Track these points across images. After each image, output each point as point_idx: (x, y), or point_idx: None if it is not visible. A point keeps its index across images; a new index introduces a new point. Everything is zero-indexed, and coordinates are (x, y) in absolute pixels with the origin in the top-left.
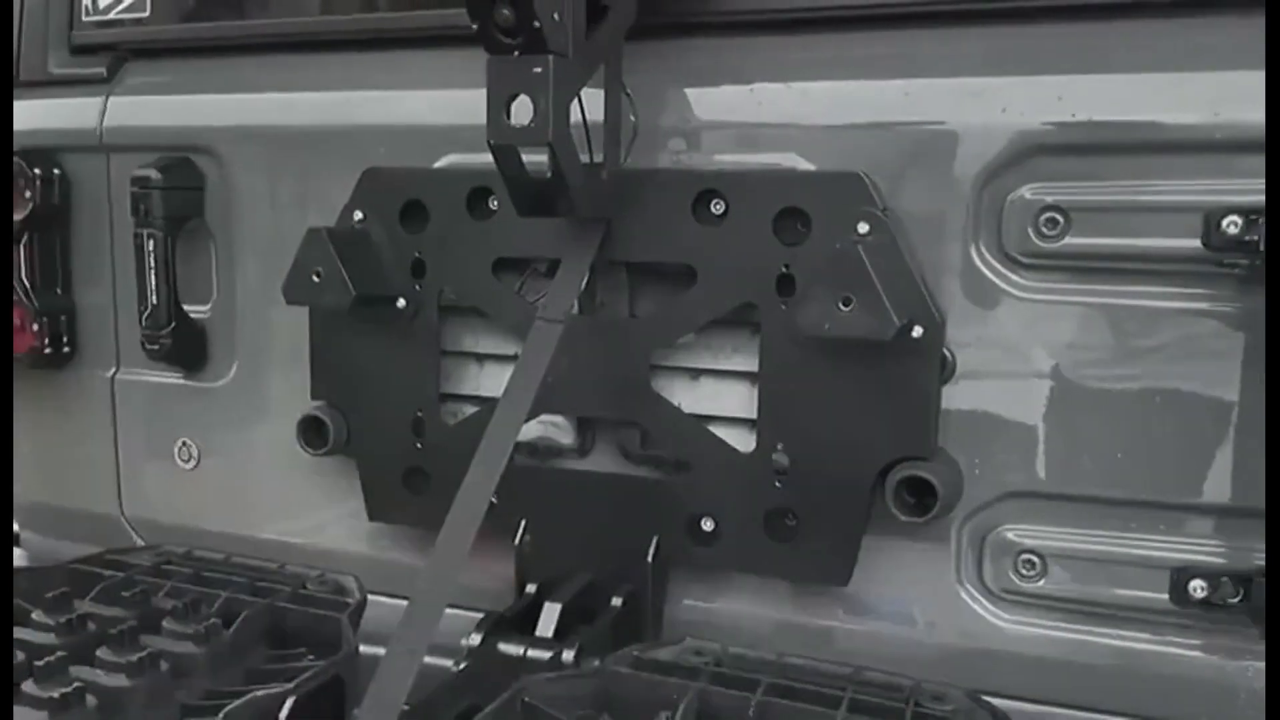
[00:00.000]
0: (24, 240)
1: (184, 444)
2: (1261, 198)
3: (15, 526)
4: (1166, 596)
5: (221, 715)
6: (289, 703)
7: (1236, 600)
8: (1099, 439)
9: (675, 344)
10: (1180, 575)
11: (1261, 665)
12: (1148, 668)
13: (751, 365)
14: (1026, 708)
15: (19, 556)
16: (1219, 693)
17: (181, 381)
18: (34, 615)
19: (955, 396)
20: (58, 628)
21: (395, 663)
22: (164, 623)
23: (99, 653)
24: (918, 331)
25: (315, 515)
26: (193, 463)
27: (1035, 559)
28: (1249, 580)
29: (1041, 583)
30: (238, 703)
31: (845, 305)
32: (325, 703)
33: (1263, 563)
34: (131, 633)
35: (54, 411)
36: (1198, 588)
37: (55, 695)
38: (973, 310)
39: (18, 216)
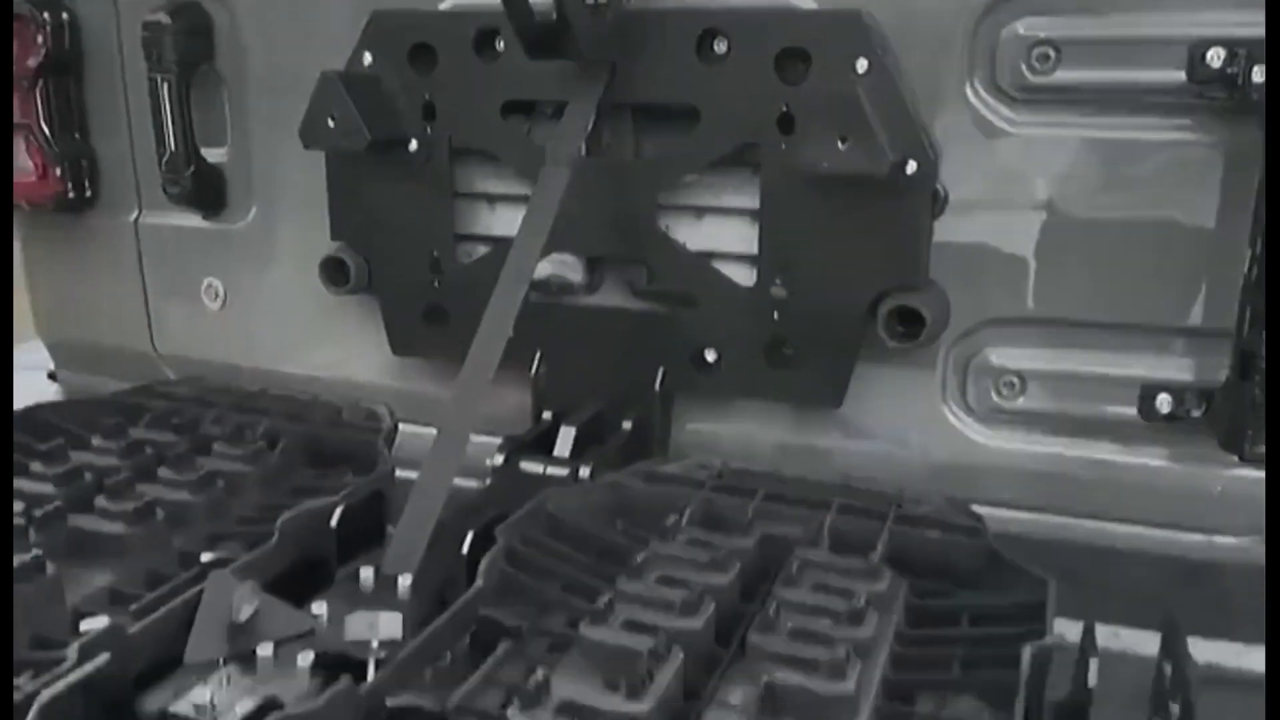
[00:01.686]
0: (39, 87)
1: (210, 284)
2: (1244, 31)
3: (51, 364)
4: (1135, 411)
5: (279, 522)
6: (338, 511)
7: (1199, 413)
8: (1081, 266)
9: (680, 184)
10: (1148, 391)
11: (1222, 472)
12: (1118, 476)
13: (753, 203)
14: (1007, 514)
15: (55, 391)
16: (1182, 497)
17: (203, 224)
18: (94, 441)
19: (946, 229)
20: (119, 451)
21: (429, 480)
22: (214, 446)
23: (160, 472)
24: (912, 167)
25: (341, 351)
26: (219, 302)
27: (1015, 379)
28: (1211, 395)
29: (1021, 401)
30: (291, 512)
31: (843, 143)
32: (368, 515)
33: (1225, 378)
34: (186, 455)
35: (81, 255)
36: (1164, 402)
37: (129, 508)
38: (966, 145)
39: (31, 63)
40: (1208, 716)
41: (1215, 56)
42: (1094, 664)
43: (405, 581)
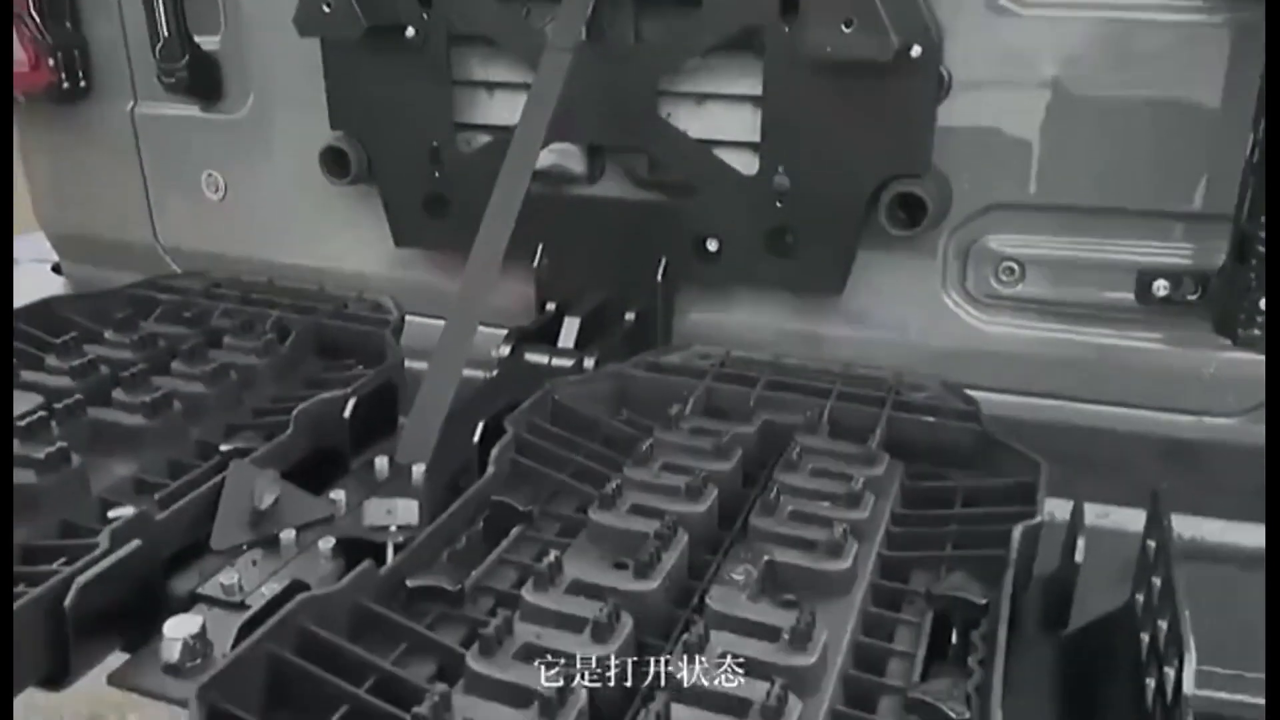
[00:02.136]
0: None
1: (210, 175)
2: None
3: (55, 257)
4: (1132, 296)
5: (294, 413)
6: (351, 402)
7: (1195, 297)
8: (1084, 151)
9: (681, 69)
10: (1145, 276)
11: (1214, 354)
12: (1114, 360)
13: (755, 89)
14: (1004, 399)
15: (61, 285)
16: (1176, 380)
17: (200, 114)
18: (107, 335)
19: (949, 114)
20: (132, 344)
21: (439, 371)
22: (225, 339)
23: (174, 365)
24: (916, 51)
25: (343, 242)
26: (220, 193)
27: (1015, 266)
28: (1207, 279)
29: (1020, 287)
30: (306, 404)
31: (847, 26)
32: (379, 406)
33: (1222, 262)
34: (199, 348)
35: (79, 146)
36: (1160, 287)
37: (145, 400)
38: (970, 28)
39: None
40: (1188, 588)
41: None
42: (1081, 541)
43: (419, 470)
